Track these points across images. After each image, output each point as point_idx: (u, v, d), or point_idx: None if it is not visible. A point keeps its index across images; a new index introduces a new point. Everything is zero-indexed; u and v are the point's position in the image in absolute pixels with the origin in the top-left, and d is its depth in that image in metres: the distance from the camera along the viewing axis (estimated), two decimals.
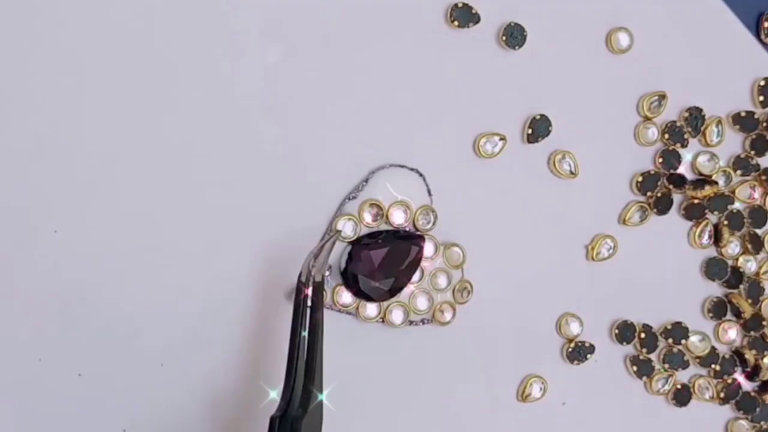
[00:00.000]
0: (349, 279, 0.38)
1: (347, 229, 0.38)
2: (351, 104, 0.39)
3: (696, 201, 0.42)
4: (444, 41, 0.40)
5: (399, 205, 0.39)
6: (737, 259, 0.43)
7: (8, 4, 0.36)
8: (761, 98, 0.43)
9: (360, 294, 0.38)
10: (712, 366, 0.43)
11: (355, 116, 0.39)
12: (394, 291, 0.38)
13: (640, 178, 0.42)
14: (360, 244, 0.38)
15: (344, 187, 0.39)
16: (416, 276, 0.39)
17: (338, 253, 0.38)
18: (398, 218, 0.39)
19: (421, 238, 0.39)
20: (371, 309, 0.39)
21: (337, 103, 0.39)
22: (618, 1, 0.41)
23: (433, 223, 0.39)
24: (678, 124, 0.42)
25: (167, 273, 0.37)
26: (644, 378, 0.43)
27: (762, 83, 0.43)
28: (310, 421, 0.33)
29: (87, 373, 0.37)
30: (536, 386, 0.41)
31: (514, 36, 0.40)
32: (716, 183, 0.42)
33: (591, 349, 0.42)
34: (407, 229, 0.39)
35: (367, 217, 0.39)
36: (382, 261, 0.38)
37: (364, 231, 0.39)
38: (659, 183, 0.42)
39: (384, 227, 0.39)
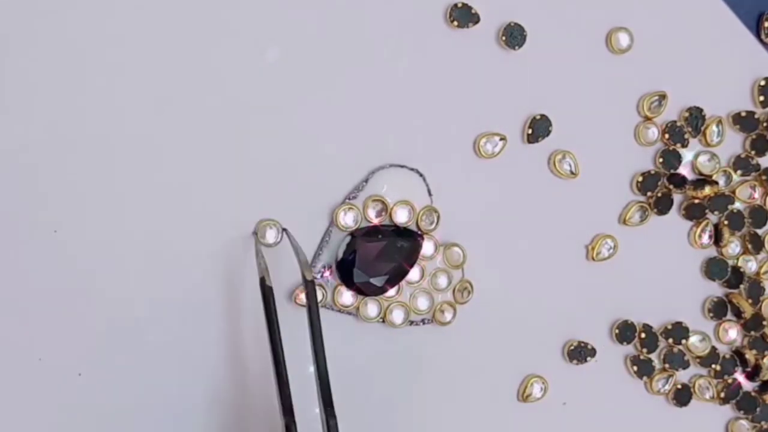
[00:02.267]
0: (343, 271, 0.38)
1: (348, 220, 0.38)
2: (351, 104, 0.39)
3: (696, 201, 0.42)
4: (444, 41, 0.40)
5: (403, 204, 0.39)
6: (737, 259, 0.43)
7: (7, 4, 0.36)
8: (761, 98, 0.43)
9: (353, 287, 0.38)
10: (713, 366, 0.43)
11: (355, 116, 0.39)
12: (388, 287, 0.38)
13: (641, 178, 0.42)
14: (358, 237, 0.38)
15: (344, 187, 0.39)
16: (416, 276, 0.39)
17: (336, 244, 0.38)
18: (402, 217, 0.39)
19: (420, 236, 0.39)
20: (371, 309, 0.39)
21: (337, 103, 0.39)
22: (618, 1, 0.41)
23: (436, 224, 0.39)
24: (678, 124, 0.42)
25: (167, 273, 0.37)
26: (644, 378, 0.43)
27: (762, 83, 0.43)
28: None
29: (87, 373, 0.37)
30: (536, 386, 0.41)
31: (514, 36, 0.40)
32: (716, 183, 0.42)
33: (592, 352, 0.42)
34: (409, 227, 0.39)
35: (371, 214, 0.39)
36: (378, 255, 0.38)
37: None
38: (659, 183, 0.42)
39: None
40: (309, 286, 0.34)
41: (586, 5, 0.41)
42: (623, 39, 0.41)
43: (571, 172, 0.41)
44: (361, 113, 0.39)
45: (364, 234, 0.38)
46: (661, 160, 0.42)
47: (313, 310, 0.34)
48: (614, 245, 0.42)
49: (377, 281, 0.38)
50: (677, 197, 0.43)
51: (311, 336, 0.34)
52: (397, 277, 0.38)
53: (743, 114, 0.43)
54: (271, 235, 0.38)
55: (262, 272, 0.35)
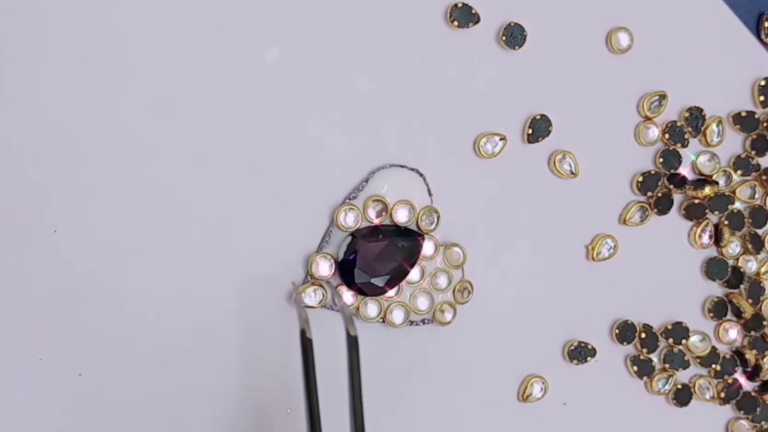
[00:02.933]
0: (344, 271, 0.38)
1: (349, 220, 0.38)
2: (351, 104, 0.39)
3: (696, 201, 0.42)
4: (444, 41, 0.40)
5: (403, 204, 0.39)
6: (738, 259, 0.43)
7: (7, 4, 0.36)
8: (761, 98, 0.43)
9: (354, 288, 0.38)
10: (713, 366, 0.43)
11: (355, 116, 0.39)
12: (389, 287, 0.38)
13: (641, 178, 0.42)
14: (359, 237, 0.38)
15: (344, 187, 0.39)
16: (416, 276, 0.39)
17: (336, 245, 0.38)
18: (402, 216, 0.39)
19: (420, 236, 0.39)
20: (372, 309, 0.39)
21: (337, 103, 0.39)
22: (618, 1, 0.41)
23: (436, 224, 0.39)
24: (678, 124, 0.42)
25: (167, 273, 0.37)
26: (645, 378, 0.43)
27: (762, 83, 0.43)
28: None
29: (87, 373, 0.37)
30: (537, 386, 0.41)
31: (514, 36, 0.40)
32: (717, 183, 0.42)
33: (593, 352, 0.42)
34: (409, 227, 0.39)
35: (371, 214, 0.39)
36: (379, 255, 0.38)
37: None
38: (660, 183, 0.42)
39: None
40: (352, 342, 0.34)
41: (586, 5, 0.41)
42: (623, 39, 0.41)
43: (571, 172, 0.41)
44: (361, 113, 0.39)
45: (364, 234, 0.38)
46: (661, 160, 0.42)
47: (354, 366, 0.34)
48: (614, 245, 0.42)
49: (378, 281, 0.38)
50: (677, 197, 0.43)
51: (350, 392, 0.34)
52: (397, 277, 0.38)
53: (743, 114, 0.43)
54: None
55: (303, 324, 0.34)
